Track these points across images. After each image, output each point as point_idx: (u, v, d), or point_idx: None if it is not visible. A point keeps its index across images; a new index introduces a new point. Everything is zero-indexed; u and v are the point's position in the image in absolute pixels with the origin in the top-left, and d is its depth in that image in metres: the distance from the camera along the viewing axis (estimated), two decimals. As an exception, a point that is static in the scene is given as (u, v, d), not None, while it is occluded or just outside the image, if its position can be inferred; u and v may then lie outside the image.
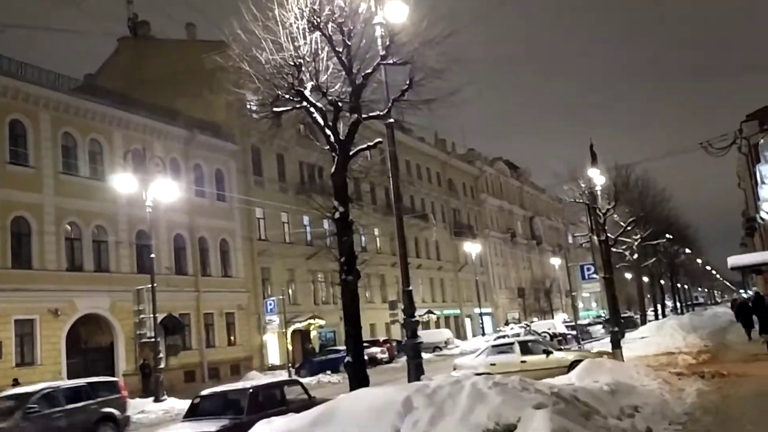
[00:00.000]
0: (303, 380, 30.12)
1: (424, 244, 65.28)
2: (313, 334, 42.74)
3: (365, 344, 41.87)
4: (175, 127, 36.21)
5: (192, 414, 11.78)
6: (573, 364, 17.13)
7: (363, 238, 53.61)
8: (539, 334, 31.45)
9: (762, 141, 40.31)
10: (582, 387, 10.71)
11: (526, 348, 19.14)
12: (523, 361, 18.67)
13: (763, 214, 54.31)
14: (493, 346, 19.92)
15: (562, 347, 25.18)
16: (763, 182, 43.49)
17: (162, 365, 25.70)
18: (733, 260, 36.49)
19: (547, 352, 18.77)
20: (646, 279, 65.60)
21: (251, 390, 11.75)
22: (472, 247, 63.54)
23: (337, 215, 12.68)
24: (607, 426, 8.74)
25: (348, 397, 10.13)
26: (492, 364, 18.82)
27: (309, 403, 11.26)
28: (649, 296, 69.41)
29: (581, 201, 30.20)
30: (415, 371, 12.38)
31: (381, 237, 54.50)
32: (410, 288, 12.93)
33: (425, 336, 50.71)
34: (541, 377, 17.84)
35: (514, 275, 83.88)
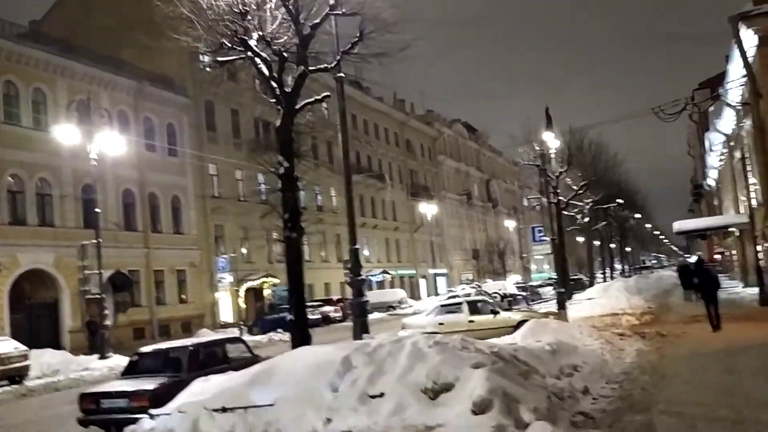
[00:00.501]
0: (255, 338, 30.26)
1: (381, 205, 65.20)
2: (267, 292, 42.50)
3: (319, 303, 42.04)
4: (123, 78, 34.94)
5: (130, 371, 11.50)
6: (519, 324, 17.33)
7: (319, 198, 53.29)
8: (490, 295, 31.77)
9: (712, 109, 41.11)
10: (523, 347, 10.78)
11: (474, 308, 19.29)
12: (470, 321, 18.83)
13: (709, 181, 55.82)
14: (442, 306, 20.02)
15: (511, 308, 25.51)
16: (711, 150, 44.50)
17: (108, 322, 25.20)
18: (679, 225, 37.51)
19: (495, 312, 18.95)
20: (597, 243, 66.92)
21: (191, 348, 11.51)
22: (428, 209, 63.78)
23: (281, 171, 12.36)
24: (544, 385, 8.79)
25: (288, 355, 10.00)
26: (440, 324, 18.92)
27: (252, 361, 11.05)
28: (599, 259, 70.95)
29: (535, 163, 30.35)
30: (360, 330, 12.31)
31: (337, 196, 54.06)
32: (357, 246, 12.79)
33: (379, 296, 51.19)
34: (487, 337, 18.06)
35: (470, 237, 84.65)
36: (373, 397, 8.38)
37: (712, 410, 7.92)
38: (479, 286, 42.03)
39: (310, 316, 36.26)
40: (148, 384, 10.46)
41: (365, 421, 8.00)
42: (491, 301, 20.67)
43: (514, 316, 18.89)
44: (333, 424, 8.12)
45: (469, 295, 29.95)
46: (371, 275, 60.11)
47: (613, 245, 73.58)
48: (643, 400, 8.84)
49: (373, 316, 40.59)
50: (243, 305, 38.78)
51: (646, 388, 9.75)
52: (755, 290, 26.93)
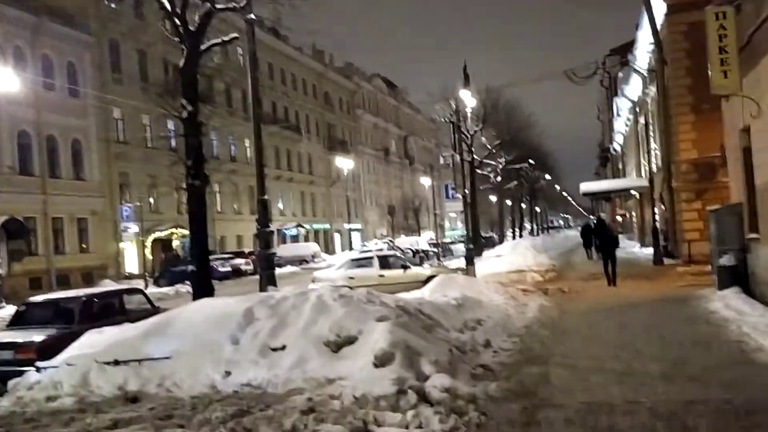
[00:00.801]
0: (161, 290, 29.38)
1: (297, 158, 64.28)
2: (176, 243, 41.29)
3: (230, 255, 41.14)
4: (19, 11, 32.37)
5: (17, 322, 10.83)
6: (428, 279, 17.50)
7: (233, 147, 51.87)
8: (402, 251, 32.11)
9: (621, 76, 42.45)
10: (429, 301, 10.83)
11: (384, 262, 19.34)
12: (381, 276, 18.88)
13: (615, 146, 58.10)
14: (353, 260, 19.96)
15: (422, 263, 25.83)
16: (618, 115, 46.15)
17: (1, 271, 23.81)
18: (585, 186, 38.93)
19: (405, 267, 19.06)
20: (509, 202, 68.75)
21: (84, 298, 10.92)
22: (345, 163, 63.36)
23: (185, 114, 11.74)
24: (447, 338, 8.86)
25: (187, 307, 9.65)
26: (350, 278, 18.87)
27: (152, 313, 10.60)
28: (510, 218, 72.99)
29: (450, 119, 30.46)
30: (267, 283, 12.04)
31: (252, 147, 52.64)
32: (266, 197, 12.40)
33: (292, 249, 50.81)
34: (397, 291, 18.11)
35: (386, 193, 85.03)
36: (274, 349, 8.21)
37: (604, 363, 8.19)
38: (392, 242, 42.37)
39: (221, 269, 35.99)
40: (36, 335, 9.89)
41: (265, 374, 7.83)
42: (402, 256, 20.78)
43: (424, 271, 19.07)
44: (232, 377, 7.91)
45: (381, 250, 30.13)
46: (285, 229, 59.55)
47: (523, 205, 75.73)
48: (541, 354, 9.07)
49: (285, 270, 40.66)
50: (150, 256, 37.56)
51: (545, 342, 10.02)
52: (651, 250, 28.39)
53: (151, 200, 40.70)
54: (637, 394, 6.62)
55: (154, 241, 39.21)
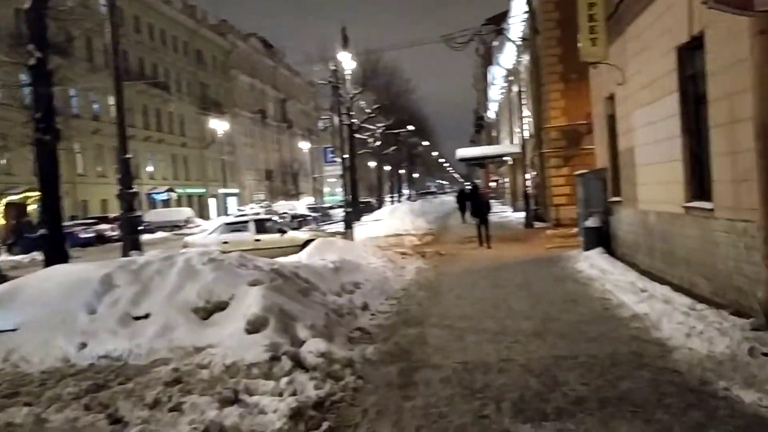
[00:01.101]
0: (15, 258, 27.08)
1: (167, 118, 61.28)
2: (31, 208, 38.16)
3: (94, 220, 38.59)
4: None
5: None
6: (306, 243, 17.16)
7: (96, 106, 48.48)
8: (280, 215, 31.48)
9: (496, 44, 43.55)
10: (306, 264, 10.52)
11: (260, 226, 18.77)
12: (257, 240, 18.33)
13: (490, 113, 59.95)
14: (227, 224, 19.21)
15: (300, 228, 25.41)
16: (492, 83, 47.48)
17: None
18: (461, 152, 39.90)
19: (282, 232, 18.60)
20: (388, 168, 69.34)
21: None
22: (219, 125, 61.15)
23: (32, 61, 10.56)
24: (324, 302, 8.61)
25: (38, 275, 8.77)
26: (225, 243, 18.17)
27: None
28: (390, 184, 73.77)
29: (329, 79, 29.88)
30: (131, 248, 11.23)
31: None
32: (129, 155, 11.50)
33: (164, 214, 48.69)
34: (274, 256, 17.59)
35: (263, 157, 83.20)
36: (137, 318, 7.64)
37: (479, 322, 8.27)
38: (269, 206, 41.46)
39: (83, 235, 33.78)
40: None
41: (126, 345, 7.26)
42: (279, 220, 20.25)
43: (302, 235, 18.70)
44: (88, 349, 7.27)
45: (258, 214, 29.32)
46: (156, 193, 56.82)
47: (402, 171, 76.70)
48: (418, 315, 9.05)
49: (156, 236, 38.86)
50: (2, 221, 34.57)
51: (422, 303, 10.03)
52: (522, 214, 29.59)
53: (2, 161, 37.32)
54: (510, 352, 6.70)
55: (7, 205, 36.12)
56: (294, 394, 5.66)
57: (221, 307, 7.53)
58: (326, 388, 5.71)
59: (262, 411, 5.36)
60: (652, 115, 10.31)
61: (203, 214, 61.80)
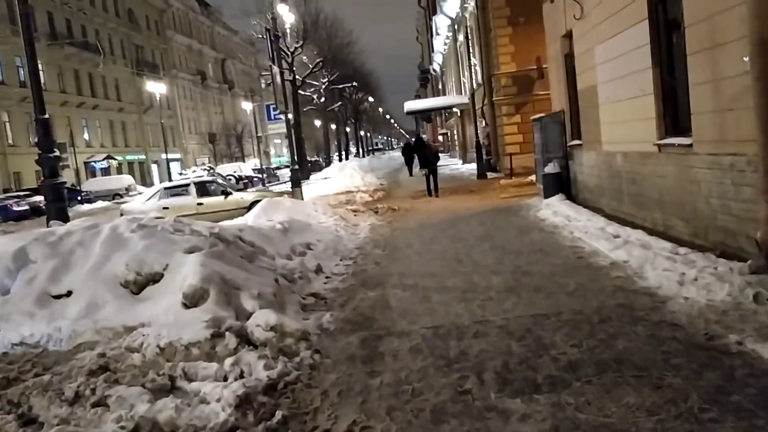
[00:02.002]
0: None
1: (101, 83, 58.41)
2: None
3: (27, 192, 36.40)
4: None
5: None
6: (253, 205, 16.18)
7: (22, 72, 45.54)
8: (224, 177, 30.14)
9: (440, -8, 42.37)
10: (251, 226, 9.58)
11: (203, 190, 17.63)
12: (199, 204, 17.22)
13: (435, 66, 58.93)
14: (166, 188, 17.96)
15: (246, 189, 24.26)
16: (437, 33, 46.36)
17: None
18: (408, 105, 38.99)
19: (226, 194, 17.50)
20: (334, 126, 67.99)
21: None
22: (157, 88, 58.60)
23: None
24: (273, 266, 7.76)
25: (-62, 252, 7.61)
26: (165, 208, 17.05)
27: None
28: (336, 142, 72.43)
29: (267, 29, 28.33)
30: (57, 218, 10.07)
31: (46, 72, 46.61)
32: (46, 116, 10.27)
33: (102, 183, 46.67)
34: (219, 219, 16.69)
35: (205, 120, 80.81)
36: (57, 297, 6.65)
37: (443, 280, 7.56)
38: (212, 168, 39.86)
39: (16, 208, 31.85)
40: None
41: (45, 328, 6.29)
42: (223, 182, 19.09)
43: (247, 196, 17.63)
44: (0, 335, 6.26)
45: (201, 177, 27.90)
46: (94, 161, 54.45)
47: (348, 129, 75.31)
48: (377, 275, 8.29)
49: (96, 205, 37.04)
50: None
51: (380, 262, 9.27)
52: (473, 165, 29.04)
53: None
54: (484, 311, 5.99)
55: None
56: (241, 376, 4.85)
57: (154, 279, 6.60)
58: (278, 368, 4.90)
59: (204, 400, 4.54)
60: (616, 48, 9.62)
61: (146, 181, 59.65)
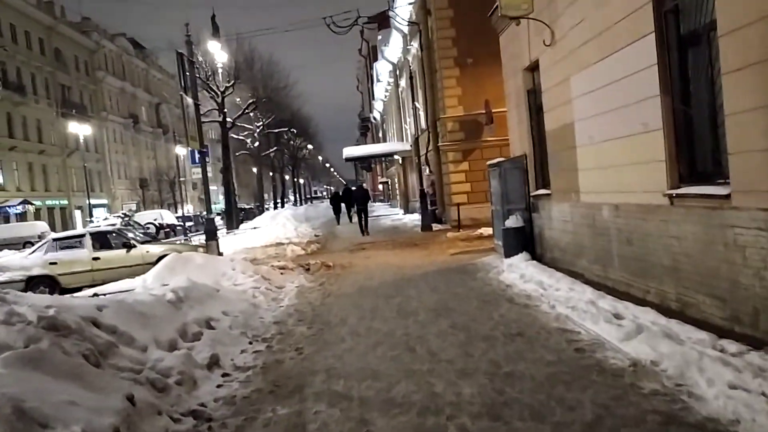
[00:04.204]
0: None
1: (21, 123, 54.44)
2: None
3: None
4: None
5: None
6: (161, 260, 13.56)
7: None
8: (142, 226, 27.15)
9: (380, 38, 41.04)
10: (121, 302, 6.97)
11: (101, 241, 14.85)
12: (95, 258, 14.47)
13: (375, 114, 57.50)
14: (56, 240, 15.06)
15: (159, 240, 21.44)
16: (378, 80, 44.92)
17: None
18: (348, 151, 36.91)
19: (129, 246, 14.78)
20: (276, 175, 65.48)
21: None
22: (81, 129, 55.11)
23: None
24: (139, 366, 5.27)
25: None
26: (52, 263, 14.23)
27: None
28: (272, 189, 69.82)
29: (197, 76, 26.04)
30: None
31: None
32: None
33: (12, 229, 42.54)
34: (119, 277, 14.04)
35: (136, 164, 77.17)
36: None
37: (391, 386, 5.23)
38: (126, 215, 36.42)
39: None
40: None
41: None
42: (127, 233, 16.28)
43: (154, 249, 14.91)
44: None
45: (113, 225, 24.88)
46: (9, 206, 50.24)
47: (287, 176, 72.80)
48: (296, 374, 5.89)
49: (0, 254, 33.15)
50: None
51: (303, 348, 6.87)
52: (416, 216, 27.03)
53: None
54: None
55: None
56: None
57: None
58: None
59: None
60: (603, 75, 7.71)
61: (67, 227, 55.36)
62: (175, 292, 7.88)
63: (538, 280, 9.01)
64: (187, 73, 14.67)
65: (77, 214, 61.49)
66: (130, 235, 16.20)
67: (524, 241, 11.34)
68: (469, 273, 11.16)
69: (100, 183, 67.06)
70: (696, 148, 6.16)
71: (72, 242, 14.72)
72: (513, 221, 11.43)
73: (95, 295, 9.64)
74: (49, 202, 56.94)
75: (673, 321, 5.78)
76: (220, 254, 14.67)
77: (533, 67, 10.97)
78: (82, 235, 14.93)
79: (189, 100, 14.38)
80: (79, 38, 65.81)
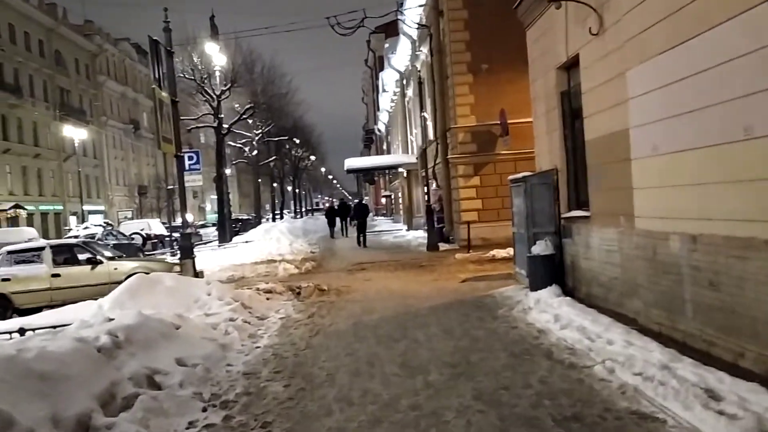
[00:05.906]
0: None
1: (16, 125, 52.92)
2: None
3: None
4: None
5: None
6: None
7: None
8: (127, 236, 25.31)
9: (387, 46, 39.40)
10: (17, 356, 4.95)
11: (64, 255, 13.04)
12: (55, 275, 12.64)
13: (380, 125, 55.81)
14: (10, 252, 13.21)
15: (147, 252, 19.59)
16: (384, 90, 43.26)
17: None
18: (350, 163, 35.09)
19: (95, 263, 12.94)
20: (276, 185, 63.75)
21: None
22: (77, 134, 53.54)
23: None
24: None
25: None
26: (5, 280, 12.40)
27: None
28: (277, 201, 68.17)
29: (192, 78, 24.49)
30: None
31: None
32: None
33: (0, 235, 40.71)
34: (80, 298, 12.18)
35: (136, 171, 75.71)
36: None
37: None
38: (109, 224, 34.47)
39: None
40: None
41: None
42: (95, 246, 14.41)
43: (124, 266, 13.07)
44: None
45: (94, 235, 23.02)
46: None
47: (290, 188, 71.06)
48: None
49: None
50: None
51: (272, 423, 5.00)
52: (420, 233, 25.19)
53: None
54: None
55: None
56: None
57: None
58: None
59: None
60: (678, 66, 5.90)
61: (61, 234, 53.64)
62: (112, 334, 6.03)
63: (579, 325, 7.14)
64: (163, 64, 12.85)
65: (72, 220, 59.82)
66: (105, 249, 14.36)
67: (553, 271, 9.48)
68: (488, 309, 9.28)
69: (98, 189, 65.56)
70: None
71: (29, 256, 12.88)
72: (541, 248, 9.55)
73: (21, 330, 7.78)
74: (42, 207, 55.35)
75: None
76: (198, 274, 12.79)
77: (570, 64, 9.18)
78: (42, 248, 13.08)
79: (164, 95, 12.61)
80: (81, 41, 64.54)
